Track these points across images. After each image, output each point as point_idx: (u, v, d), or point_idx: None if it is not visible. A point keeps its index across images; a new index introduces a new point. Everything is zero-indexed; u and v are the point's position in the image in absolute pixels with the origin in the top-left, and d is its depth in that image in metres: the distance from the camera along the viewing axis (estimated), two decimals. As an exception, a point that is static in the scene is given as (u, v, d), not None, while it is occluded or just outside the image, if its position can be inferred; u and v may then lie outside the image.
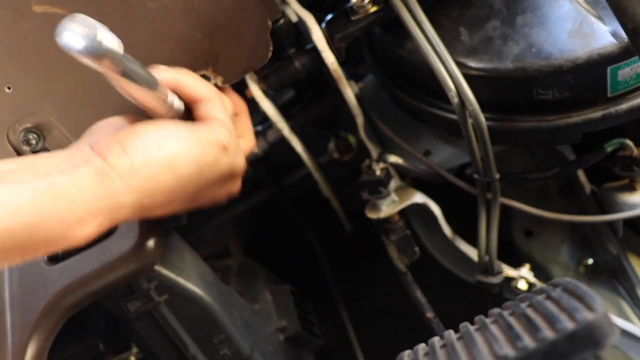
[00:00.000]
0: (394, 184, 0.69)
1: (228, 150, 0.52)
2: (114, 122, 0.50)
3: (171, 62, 0.55)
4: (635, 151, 0.62)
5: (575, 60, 0.55)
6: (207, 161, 0.50)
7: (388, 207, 0.68)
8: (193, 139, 0.49)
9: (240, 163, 0.54)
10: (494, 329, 0.38)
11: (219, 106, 0.54)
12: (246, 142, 0.59)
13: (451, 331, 0.42)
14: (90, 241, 0.45)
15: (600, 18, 0.56)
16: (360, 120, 0.71)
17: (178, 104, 0.51)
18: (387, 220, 0.70)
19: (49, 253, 0.46)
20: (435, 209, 0.69)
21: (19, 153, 0.55)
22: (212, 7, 0.54)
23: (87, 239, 0.44)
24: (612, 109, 0.57)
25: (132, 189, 0.45)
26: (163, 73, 0.51)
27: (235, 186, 0.56)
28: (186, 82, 0.52)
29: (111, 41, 0.40)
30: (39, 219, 0.41)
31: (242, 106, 0.61)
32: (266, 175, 0.87)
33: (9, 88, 0.53)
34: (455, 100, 0.57)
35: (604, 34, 0.55)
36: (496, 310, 0.41)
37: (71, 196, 0.43)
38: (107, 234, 0.54)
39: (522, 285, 0.67)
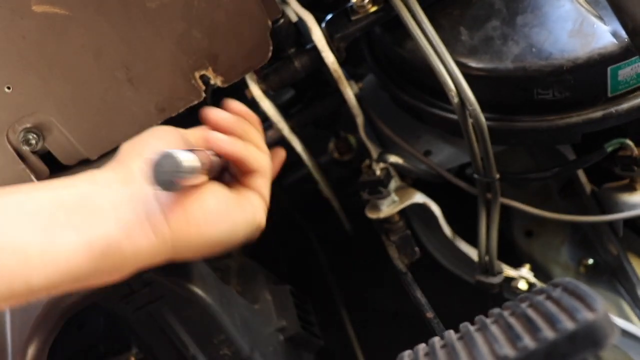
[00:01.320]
0: (394, 184, 0.69)
1: (257, 223, 0.53)
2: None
3: (171, 61, 0.55)
4: (636, 151, 0.62)
5: (575, 60, 0.55)
6: (239, 234, 0.50)
7: (388, 207, 0.68)
8: (241, 219, 0.50)
9: (261, 223, 0.55)
10: (494, 329, 0.38)
11: (267, 182, 0.54)
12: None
13: (451, 331, 0.42)
14: None
15: (600, 18, 0.56)
16: (360, 120, 0.71)
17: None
18: (387, 220, 0.70)
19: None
20: (435, 209, 0.69)
21: (19, 153, 0.55)
22: (212, 7, 0.54)
23: (116, 281, 0.45)
24: (613, 109, 0.57)
25: (175, 252, 0.46)
26: (233, 146, 0.50)
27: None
28: (251, 156, 0.51)
29: (192, 172, 0.43)
30: (86, 277, 0.42)
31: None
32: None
33: (8, 88, 0.53)
34: (456, 100, 0.57)
35: (605, 34, 0.55)
36: (496, 310, 0.41)
37: (125, 255, 0.43)
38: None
39: (523, 286, 0.67)
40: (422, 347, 0.42)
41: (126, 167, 0.47)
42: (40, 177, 0.57)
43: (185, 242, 0.46)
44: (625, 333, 0.65)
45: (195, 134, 0.53)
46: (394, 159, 0.69)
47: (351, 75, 0.71)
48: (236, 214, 0.50)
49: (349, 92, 0.69)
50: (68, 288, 0.42)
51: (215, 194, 0.49)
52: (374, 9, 0.64)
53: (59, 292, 0.42)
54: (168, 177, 0.41)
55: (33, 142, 0.55)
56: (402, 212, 0.70)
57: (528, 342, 0.34)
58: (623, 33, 0.53)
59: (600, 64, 0.55)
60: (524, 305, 0.39)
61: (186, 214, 0.46)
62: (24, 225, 0.40)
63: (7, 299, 0.39)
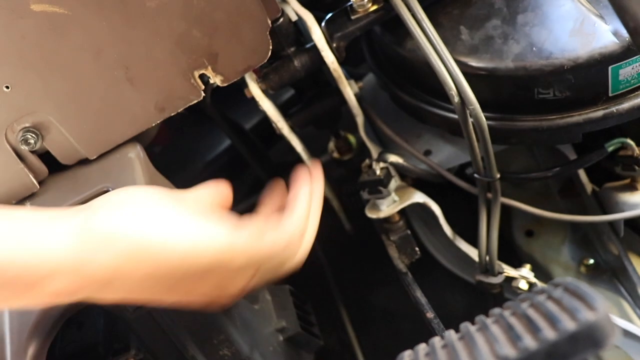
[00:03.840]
0: (394, 183, 0.69)
1: (239, 256, 0.46)
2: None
3: (170, 61, 0.55)
4: (636, 151, 0.62)
5: (576, 60, 0.55)
6: (202, 260, 0.44)
7: (388, 207, 0.68)
8: (199, 229, 0.44)
9: (248, 274, 0.48)
10: (495, 329, 0.38)
11: (280, 238, 0.49)
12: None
13: (452, 331, 0.42)
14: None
15: (601, 17, 0.56)
16: (360, 119, 0.71)
17: None
18: (387, 220, 0.69)
19: (19, 303, 0.44)
20: (436, 208, 0.69)
21: (18, 152, 0.55)
22: (212, 6, 0.54)
23: (56, 298, 0.42)
24: (614, 109, 0.57)
25: (105, 259, 0.41)
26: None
27: (236, 289, 0.49)
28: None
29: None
30: (11, 263, 0.39)
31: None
32: (266, 175, 0.87)
33: (7, 87, 0.53)
34: (456, 99, 0.56)
35: (605, 33, 0.55)
36: (497, 310, 0.41)
37: (45, 249, 0.40)
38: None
39: (523, 285, 0.67)
40: (422, 347, 0.42)
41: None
42: (39, 177, 0.57)
43: (111, 242, 0.42)
44: (626, 333, 0.64)
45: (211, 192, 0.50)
46: (394, 158, 0.69)
47: (351, 75, 0.71)
48: (189, 220, 0.44)
49: (349, 91, 0.68)
50: (4, 283, 0.40)
51: (161, 194, 0.46)
52: (373, 8, 0.64)
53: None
54: None
55: (32, 141, 0.54)
56: (402, 212, 0.69)
57: (529, 342, 0.34)
58: (624, 32, 0.53)
59: (601, 63, 0.55)
60: (524, 305, 0.39)
61: (109, 210, 0.43)
62: None
63: None
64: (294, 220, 0.50)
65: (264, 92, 0.68)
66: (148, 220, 0.43)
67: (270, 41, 0.57)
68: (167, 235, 0.43)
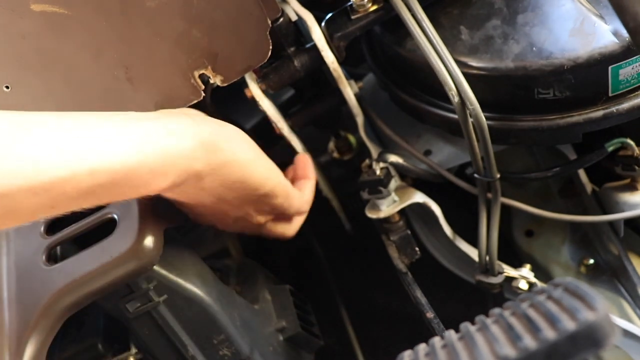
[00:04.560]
0: (394, 183, 0.69)
1: (296, 207, 0.63)
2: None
3: (170, 61, 0.55)
4: (637, 151, 0.62)
5: (576, 60, 0.55)
6: (277, 192, 0.58)
7: (388, 207, 0.68)
8: (281, 177, 0.59)
9: (293, 224, 0.66)
10: (495, 329, 0.38)
11: (311, 191, 0.67)
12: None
13: (452, 331, 0.42)
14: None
15: (601, 17, 0.56)
16: (360, 119, 0.71)
17: None
18: (387, 220, 0.69)
19: (131, 197, 0.48)
20: (436, 208, 0.69)
21: (18, 152, 0.55)
22: (211, 6, 0.54)
23: (161, 191, 0.48)
24: (614, 108, 0.57)
25: (207, 161, 0.49)
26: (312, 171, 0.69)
27: (275, 227, 0.66)
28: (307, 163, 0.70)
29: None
30: (137, 165, 0.44)
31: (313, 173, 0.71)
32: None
33: (7, 87, 0.53)
34: (456, 99, 0.56)
35: (605, 33, 0.55)
36: (497, 310, 0.41)
37: (165, 148, 0.46)
38: (106, 234, 0.54)
39: (523, 285, 0.67)
40: (422, 347, 0.42)
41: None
42: (39, 177, 0.57)
43: (218, 154, 0.50)
44: (626, 333, 0.64)
45: None
46: (394, 158, 0.69)
47: (351, 75, 0.71)
48: (276, 169, 0.58)
49: (349, 91, 0.68)
50: (126, 184, 0.44)
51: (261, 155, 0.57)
52: (373, 8, 0.64)
53: (119, 184, 0.44)
54: None
55: (32, 141, 0.54)
56: (402, 212, 0.69)
57: (529, 342, 0.34)
58: (624, 32, 0.53)
59: (601, 63, 0.55)
60: (524, 305, 0.39)
61: (219, 126, 0.51)
62: (83, 121, 0.44)
63: (71, 184, 0.41)
64: (307, 197, 0.67)
65: (264, 92, 0.68)
66: (243, 145, 0.53)
67: (270, 41, 0.57)
68: (255, 160, 0.55)
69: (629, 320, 0.68)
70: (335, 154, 0.83)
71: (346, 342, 0.88)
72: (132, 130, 0.45)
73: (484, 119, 0.57)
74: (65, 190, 0.41)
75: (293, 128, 0.72)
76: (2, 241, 0.60)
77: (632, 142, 0.61)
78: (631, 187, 0.65)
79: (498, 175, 0.61)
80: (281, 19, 0.61)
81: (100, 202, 0.46)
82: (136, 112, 0.48)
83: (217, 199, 0.54)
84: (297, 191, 0.63)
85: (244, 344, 0.61)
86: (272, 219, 0.64)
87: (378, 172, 0.68)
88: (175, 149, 0.46)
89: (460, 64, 0.57)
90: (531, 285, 0.67)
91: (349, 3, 0.64)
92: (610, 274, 0.73)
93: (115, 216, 0.55)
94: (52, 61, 0.53)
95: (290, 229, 0.66)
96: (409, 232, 0.70)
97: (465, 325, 0.41)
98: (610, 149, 0.62)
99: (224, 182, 0.52)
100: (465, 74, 0.56)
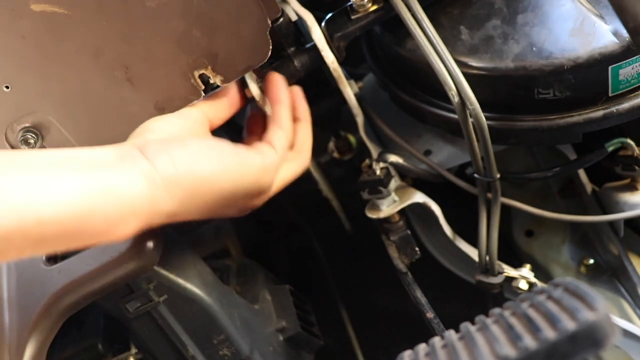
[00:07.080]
0: (394, 183, 0.69)
1: (268, 175, 0.56)
2: (158, 125, 0.53)
3: (170, 61, 0.55)
4: (637, 151, 0.62)
5: (576, 60, 0.55)
6: (245, 184, 0.53)
7: (388, 207, 0.68)
8: (237, 162, 0.53)
9: (273, 184, 0.58)
10: (495, 329, 0.38)
11: (283, 135, 0.60)
12: (301, 158, 0.63)
13: (452, 331, 0.42)
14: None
15: (601, 17, 0.56)
16: (360, 119, 0.71)
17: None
18: (387, 220, 0.69)
19: (88, 246, 0.47)
20: (436, 208, 0.69)
21: (18, 152, 0.55)
22: (211, 6, 0.54)
23: (125, 238, 0.46)
24: (614, 108, 0.57)
25: (172, 198, 0.47)
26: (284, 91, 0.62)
27: (261, 201, 0.58)
28: (285, 110, 0.61)
29: None
30: (89, 213, 0.42)
31: (306, 113, 0.65)
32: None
33: (7, 87, 0.53)
34: (456, 99, 0.56)
35: (605, 33, 0.55)
36: (497, 310, 0.41)
37: (120, 196, 0.44)
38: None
39: (523, 285, 0.67)
40: (422, 347, 0.42)
41: (124, 145, 0.50)
42: (39, 177, 0.57)
43: (177, 183, 0.47)
44: (626, 333, 0.64)
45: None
46: (394, 158, 0.69)
47: (351, 75, 0.71)
48: (229, 157, 0.52)
49: (349, 91, 0.68)
50: (79, 233, 0.43)
51: (201, 139, 0.53)
52: (373, 8, 0.63)
53: (71, 234, 0.42)
54: None
55: (32, 141, 0.55)
56: (402, 212, 0.69)
57: (529, 342, 0.34)
58: (624, 32, 0.53)
59: (601, 63, 0.55)
60: (524, 305, 0.39)
61: (169, 155, 0.48)
62: (33, 167, 0.42)
63: (18, 234, 0.40)
64: (279, 149, 0.59)
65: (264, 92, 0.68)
66: (202, 159, 0.50)
67: (270, 41, 0.57)
68: (221, 169, 0.51)
69: (629, 320, 0.68)
70: (335, 154, 0.83)
71: (346, 342, 0.88)
72: (83, 176, 0.43)
73: (484, 119, 0.57)
74: (14, 240, 0.39)
75: (293, 128, 0.72)
76: (2, 241, 0.60)
77: (632, 142, 0.61)
78: (631, 187, 0.65)
79: (498, 175, 0.61)
80: (281, 19, 0.61)
81: (59, 250, 0.45)
82: (94, 152, 0.46)
83: (201, 215, 0.52)
84: (267, 164, 0.56)
85: (244, 344, 0.61)
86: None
87: (378, 172, 0.68)
88: (130, 193, 0.44)
89: (460, 64, 0.57)
90: (531, 285, 0.67)
91: (349, 3, 0.64)
92: (610, 274, 0.73)
93: (115, 216, 0.55)
94: (52, 61, 0.53)
95: (291, 173, 0.62)
96: (409, 232, 0.70)
97: (465, 325, 0.41)
98: (610, 149, 0.62)
99: (198, 205, 0.50)
100: (465, 74, 0.56)
